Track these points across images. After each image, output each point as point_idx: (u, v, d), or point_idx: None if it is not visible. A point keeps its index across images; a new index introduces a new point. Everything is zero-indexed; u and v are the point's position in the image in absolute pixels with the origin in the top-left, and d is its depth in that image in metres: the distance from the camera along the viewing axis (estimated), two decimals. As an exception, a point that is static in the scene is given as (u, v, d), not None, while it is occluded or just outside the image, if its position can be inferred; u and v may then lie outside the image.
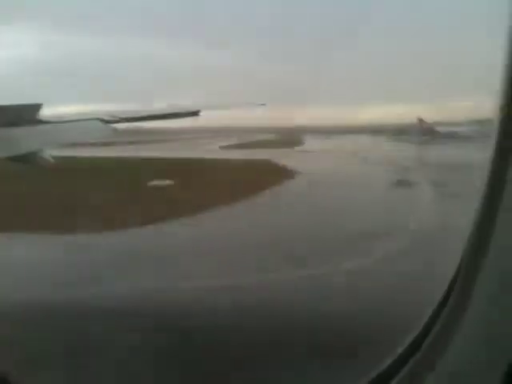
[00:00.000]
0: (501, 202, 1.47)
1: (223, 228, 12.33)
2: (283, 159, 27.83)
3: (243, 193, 16.57)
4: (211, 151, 39.82)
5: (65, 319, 6.38)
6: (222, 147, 44.66)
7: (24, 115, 4.94)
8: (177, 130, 48.75)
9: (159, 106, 8.13)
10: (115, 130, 7.25)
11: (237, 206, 15.10)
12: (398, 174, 20.86)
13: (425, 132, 41.74)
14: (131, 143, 42.11)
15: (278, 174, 22.49)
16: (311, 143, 46.17)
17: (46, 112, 5.35)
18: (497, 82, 1.55)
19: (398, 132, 47.28)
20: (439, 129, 42.66)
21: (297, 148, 42.06)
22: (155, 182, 19.81)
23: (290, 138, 52.69)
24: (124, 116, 6.88)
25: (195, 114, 7.47)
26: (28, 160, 5.47)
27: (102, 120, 6.52)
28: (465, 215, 1.70)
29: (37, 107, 5.08)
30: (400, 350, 1.84)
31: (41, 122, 5.20)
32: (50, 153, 6.06)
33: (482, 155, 1.57)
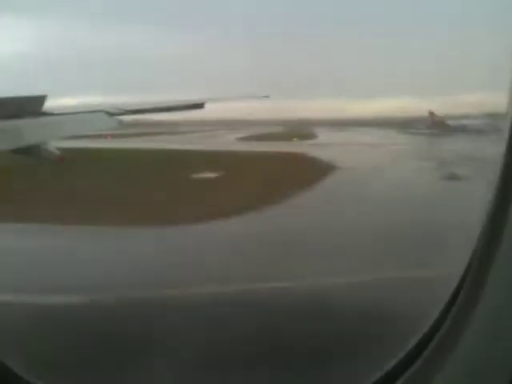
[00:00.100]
0: None
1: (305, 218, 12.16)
2: (312, 152, 27.33)
3: (299, 185, 16.33)
4: (229, 143, 39.38)
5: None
6: (239, 139, 44.31)
7: (28, 107, 4.91)
8: (178, 123, 48.74)
9: (163, 99, 8.07)
10: (120, 122, 7.22)
11: (305, 198, 14.92)
12: (443, 168, 20.23)
13: (435, 125, 41.52)
14: (138, 135, 42.11)
15: (318, 167, 22.12)
16: (325, 136, 45.41)
17: (50, 104, 5.32)
18: (508, 76, 1.54)
19: (407, 125, 46.95)
20: (450, 122, 42.39)
21: (312, 141, 41.53)
22: (202, 175, 19.27)
23: (300, 130, 52.41)
24: (128, 108, 6.84)
25: (200, 106, 7.42)
26: (32, 152, 5.46)
27: (107, 112, 6.49)
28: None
29: (41, 99, 5.05)
30: (408, 347, 1.81)
31: (45, 114, 5.17)
32: (56, 145, 6.05)
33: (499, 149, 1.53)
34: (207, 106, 7.35)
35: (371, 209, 12.94)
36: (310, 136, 46.06)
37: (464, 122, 40.27)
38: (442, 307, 1.76)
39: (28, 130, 4.85)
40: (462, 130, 38.00)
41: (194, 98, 8.41)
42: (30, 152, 5.43)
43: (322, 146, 33.27)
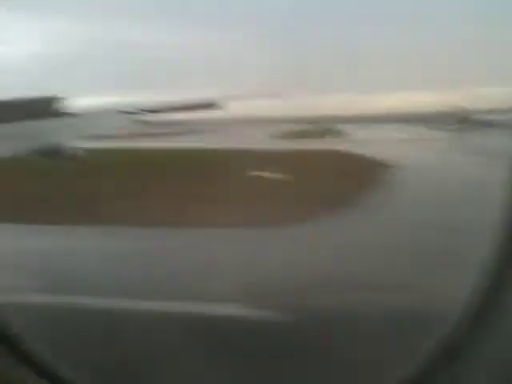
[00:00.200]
0: None
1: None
2: (355, 150, 26.41)
3: (363, 185, 15.60)
4: (262, 141, 38.71)
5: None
6: (270, 137, 43.77)
7: (48, 108, 5.08)
8: (195, 121, 48.57)
9: (179, 98, 8.20)
10: (139, 121, 7.38)
11: (377, 198, 14.00)
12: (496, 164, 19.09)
13: (464, 120, 40.51)
14: (162, 134, 42.37)
15: (371, 165, 21.30)
16: (356, 133, 44.06)
17: (69, 104, 5.49)
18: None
19: (435, 120, 45.89)
20: (476, 116, 41.30)
21: (346, 138, 40.38)
22: (260, 174, 18.22)
23: (327, 127, 51.68)
24: (146, 108, 6.98)
25: (215, 105, 7.50)
26: (54, 153, 5.64)
27: (125, 112, 6.65)
28: None
29: (59, 99, 5.21)
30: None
31: (66, 114, 5.33)
32: (81, 145, 6.23)
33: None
34: (223, 104, 7.43)
35: (460, 208, 12.08)
36: (341, 133, 45.07)
37: (491, 116, 39.22)
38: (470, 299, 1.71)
39: (48, 131, 5.03)
40: (489, 124, 37.06)
41: (208, 96, 8.51)
42: (48, 152, 5.61)
43: (361, 144, 32.01)
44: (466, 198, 13.44)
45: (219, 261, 8.40)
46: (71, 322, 5.91)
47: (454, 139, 34.84)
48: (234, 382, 4.69)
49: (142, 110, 6.88)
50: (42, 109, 4.99)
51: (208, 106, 7.89)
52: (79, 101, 6.68)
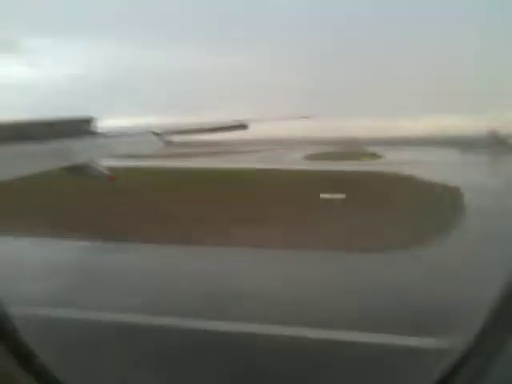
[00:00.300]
0: None
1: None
2: (400, 171, 25.78)
3: (430, 205, 15.28)
4: (298, 162, 38.85)
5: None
6: (305, 158, 43.98)
7: (80, 128, 5.14)
8: (224, 142, 49.42)
9: (206, 119, 8.24)
10: (168, 142, 7.41)
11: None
12: None
13: (497, 143, 39.75)
14: (195, 155, 42.97)
15: (425, 186, 20.82)
16: (391, 155, 43.38)
17: (101, 125, 5.54)
18: None
19: (466, 143, 45.03)
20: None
21: (382, 160, 39.67)
22: (328, 196, 17.97)
23: (359, 149, 51.45)
24: (175, 129, 7.02)
25: (244, 126, 7.49)
26: (84, 171, 5.69)
27: (155, 133, 6.69)
28: None
29: (91, 120, 5.27)
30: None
31: (95, 134, 5.38)
32: (106, 164, 6.29)
33: None
34: (250, 125, 7.42)
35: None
36: (375, 155, 44.45)
37: None
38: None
39: (80, 150, 5.07)
40: None
41: (237, 117, 8.51)
42: (82, 171, 5.66)
43: (400, 165, 31.27)
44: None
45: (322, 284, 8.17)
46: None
47: (493, 163, 33.94)
48: None
49: (173, 131, 6.91)
50: (74, 129, 5.04)
51: (237, 127, 7.89)
52: (111, 121, 6.77)
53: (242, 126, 7.56)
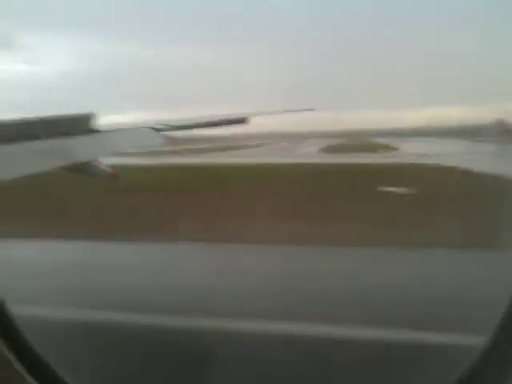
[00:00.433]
0: None
1: None
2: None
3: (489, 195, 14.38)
4: (315, 155, 38.38)
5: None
6: (321, 151, 43.72)
7: (78, 125, 5.09)
8: (228, 137, 49.31)
9: (207, 114, 8.17)
10: (168, 138, 7.35)
11: None
12: None
13: (505, 133, 39.51)
14: (203, 151, 42.72)
15: (468, 175, 20.46)
16: (406, 147, 42.96)
17: (99, 121, 5.49)
18: None
19: (473, 134, 44.70)
20: None
21: (398, 152, 39.21)
22: (386, 189, 17.47)
23: (370, 141, 51.14)
24: (174, 124, 6.96)
25: (244, 120, 7.43)
26: (83, 170, 5.65)
27: (154, 128, 6.64)
28: None
29: (89, 117, 5.22)
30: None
31: (94, 131, 5.34)
32: (107, 162, 6.25)
33: None
34: (252, 119, 7.36)
35: None
36: (390, 147, 44.08)
37: None
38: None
39: (78, 148, 5.03)
40: None
41: (237, 112, 8.45)
42: (82, 169, 5.63)
43: (421, 156, 30.64)
44: None
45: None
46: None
47: (503, 152, 33.70)
48: None
49: (172, 126, 6.86)
50: (73, 126, 4.99)
51: (237, 121, 7.83)
52: (110, 118, 6.71)
53: (242, 120, 7.50)
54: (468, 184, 18.02)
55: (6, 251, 10.55)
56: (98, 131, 5.41)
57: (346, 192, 16.41)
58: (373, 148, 42.64)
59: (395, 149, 41.64)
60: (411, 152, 36.19)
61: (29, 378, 1.78)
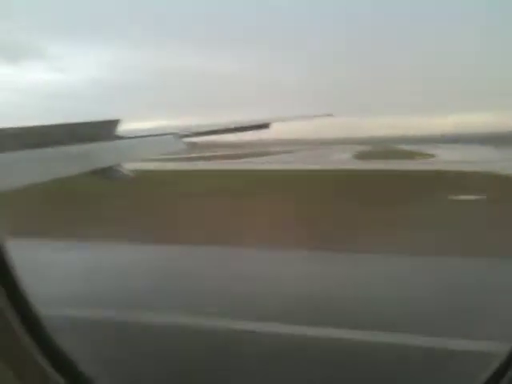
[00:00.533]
0: None
1: None
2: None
3: None
4: (347, 162, 37.71)
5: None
6: (354, 157, 43.20)
7: (103, 131, 5.22)
8: (249, 143, 49.34)
9: (228, 120, 8.24)
10: (190, 144, 7.45)
11: None
12: None
13: None
14: (228, 157, 42.66)
15: None
16: (442, 154, 41.79)
17: (124, 128, 5.61)
18: None
19: (500, 141, 43.62)
20: None
21: (435, 159, 38.10)
22: (459, 197, 16.63)
23: (395, 148, 50.42)
24: (196, 130, 7.05)
25: (266, 126, 7.46)
26: (107, 175, 5.77)
27: (177, 134, 6.73)
28: None
29: (115, 123, 5.34)
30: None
31: (118, 137, 5.46)
32: (128, 167, 6.36)
33: None
34: (273, 125, 7.39)
35: None
36: (425, 154, 43.06)
37: None
38: None
39: (102, 153, 5.15)
40: None
41: (257, 117, 8.50)
42: (106, 174, 5.75)
43: (460, 163, 29.51)
44: None
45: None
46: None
47: None
48: None
49: (195, 132, 6.94)
50: (98, 132, 5.12)
51: (259, 127, 7.86)
52: (135, 125, 6.85)
53: (263, 126, 7.53)
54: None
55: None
56: (122, 137, 5.53)
57: (418, 199, 15.55)
58: (410, 155, 41.64)
59: (432, 155, 40.63)
60: (448, 159, 35.20)
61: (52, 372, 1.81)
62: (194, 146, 7.68)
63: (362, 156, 42.88)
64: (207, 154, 40.98)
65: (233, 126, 7.64)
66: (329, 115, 9.35)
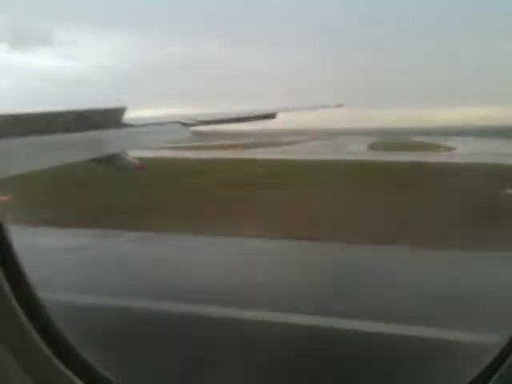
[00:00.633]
0: None
1: None
2: None
3: None
4: (364, 153, 37.20)
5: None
6: (369, 148, 42.81)
7: (108, 118, 5.22)
8: (256, 133, 49.23)
9: (236, 109, 8.21)
10: (196, 132, 7.44)
11: None
12: None
13: None
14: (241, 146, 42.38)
15: None
16: (459, 146, 41.10)
17: (128, 115, 5.61)
18: None
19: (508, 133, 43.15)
20: None
21: (453, 152, 37.66)
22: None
23: (408, 140, 49.97)
24: (202, 119, 7.03)
25: (272, 116, 7.44)
26: (113, 162, 5.79)
27: (182, 123, 6.73)
28: None
29: (121, 111, 5.34)
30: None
31: (124, 125, 5.46)
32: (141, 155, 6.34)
33: None
34: (278, 116, 7.37)
35: None
36: (445, 146, 42.47)
37: None
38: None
39: (108, 141, 5.16)
40: None
41: (267, 108, 8.45)
42: (111, 161, 5.77)
43: (482, 156, 29.40)
44: None
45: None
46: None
47: None
48: None
49: (200, 121, 6.93)
50: (104, 119, 5.13)
51: (266, 116, 7.83)
52: (141, 112, 6.85)
53: (270, 116, 7.51)
54: None
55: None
56: (128, 125, 5.53)
57: (476, 193, 15.21)
58: (428, 147, 41.00)
59: (452, 148, 39.97)
60: (469, 151, 34.54)
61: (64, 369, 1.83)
62: (199, 134, 7.66)
63: (374, 147, 42.45)
64: (216, 142, 40.80)
65: (239, 115, 7.63)
66: (339, 105, 9.28)
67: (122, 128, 5.42)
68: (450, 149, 40.00)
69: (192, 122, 6.79)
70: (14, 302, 1.70)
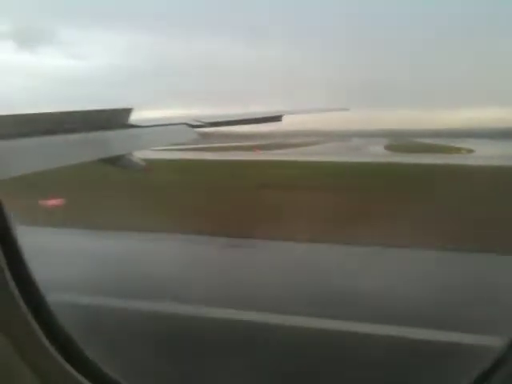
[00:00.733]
0: None
1: None
2: None
3: None
4: (382, 155, 36.95)
5: None
6: (386, 148, 42.53)
7: (115, 119, 5.20)
8: (263, 135, 49.09)
9: (242, 111, 8.18)
10: (202, 134, 7.42)
11: None
12: None
13: None
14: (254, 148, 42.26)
15: None
16: (479, 148, 40.70)
17: (136, 116, 5.59)
18: None
19: None
20: None
21: (475, 154, 37.33)
22: None
23: (416, 142, 49.67)
24: (208, 121, 7.01)
25: (278, 118, 7.40)
26: (118, 163, 5.77)
27: (189, 124, 6.70)
28: None
29: (127, 112, 5.32)
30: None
31: (131, 126, 5.44)
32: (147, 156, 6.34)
33: None
34: (286, 118, 7.33)
35: None
36: (463, 148, 42.07)
37: None
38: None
39: (114, 142, 5.14)
40: None
41: (273, 110, 8.42)
42: (116, 162, 5.75)
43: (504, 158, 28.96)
44: None
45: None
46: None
47: None
48: None
49: (207, 123, 6.90)
50: (110, 120, 5.11)
51: (272, 119, 7.80)
52: (147, 113, 6.83)
53: (276, 118, 7.47)
54: None
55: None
56: (134, 126, 5.51)
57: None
58: (448, 149, 40.55)
59: (472, 150, 39.47)
60: (490, 154, 34.01)
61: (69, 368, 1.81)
62: (205, 136, 7.64)
63: (393, 148, 42.04)
64: (228, 144, 40.72)
65: (245, 117, 7.59)
66: (344, 109, 9.23)
67: (128, 129, 5.40)
68: (469, 151, 39.53)
69: (198, 123, 6.77)
70: (21, 303, 1.69)
